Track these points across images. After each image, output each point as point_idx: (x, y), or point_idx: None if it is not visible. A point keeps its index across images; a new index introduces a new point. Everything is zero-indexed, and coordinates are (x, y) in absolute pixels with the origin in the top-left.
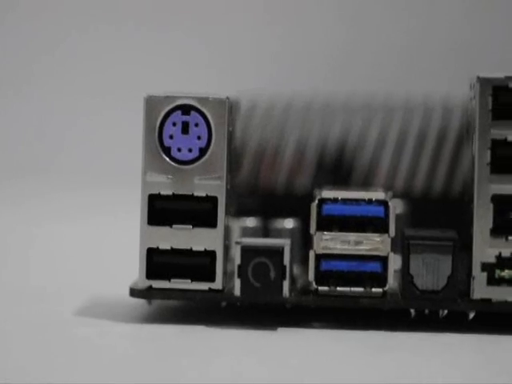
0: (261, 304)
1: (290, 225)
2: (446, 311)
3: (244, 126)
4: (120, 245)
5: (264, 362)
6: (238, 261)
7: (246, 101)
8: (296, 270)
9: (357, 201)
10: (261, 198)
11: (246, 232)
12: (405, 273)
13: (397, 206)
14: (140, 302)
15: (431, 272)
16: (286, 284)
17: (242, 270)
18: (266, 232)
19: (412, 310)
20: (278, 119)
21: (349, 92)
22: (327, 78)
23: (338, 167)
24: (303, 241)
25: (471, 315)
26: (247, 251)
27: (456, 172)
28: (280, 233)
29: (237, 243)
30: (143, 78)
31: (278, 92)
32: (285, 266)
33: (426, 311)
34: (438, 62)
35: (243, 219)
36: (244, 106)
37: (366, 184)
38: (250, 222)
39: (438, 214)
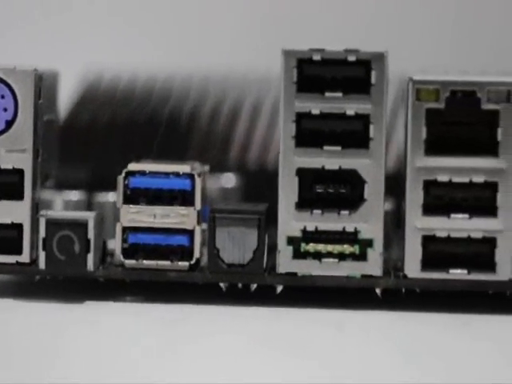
0: (68, 277)
1: (113, 198)
2: (255, 285)
3: (83, 100)
4: None
5: (64, 335)
6: (42, 234)
7: (92, 74)
8: None
9: (164, 174)
10: (89, 171)
11: (69, 205)
12: (211, 246)
13: (230, 180)
14: None
15: (237, 245)
16: (90, 257)
17: (46, 243)
18: (89, 205)
19: (222, 284)
20: (120, 92)
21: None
22: (169, 52)
23: (170, 140)
24: None
25: (279, 289)
26: (51, 224)
27: None
28: (103, 206)
29: (41, 216)
30: None
31: (124, 65)
32: (89, 240)
33: (240, 285)
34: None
35: (67, 192)
36: (88, 79)
37: (200, 158)
38: (74, 195)
39: (272, 188)
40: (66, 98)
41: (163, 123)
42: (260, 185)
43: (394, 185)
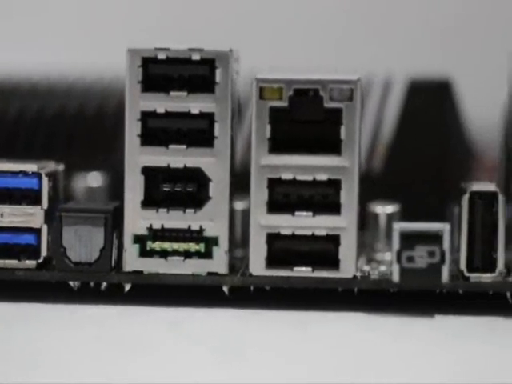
0: None
1: None
2: (104, 283)
3: None
4: None
5: None
6: None
7: None
8: None
9: (12, 173)
10: None
11: None
12: (57, 245)
13: (95, 179)
14: None
15: (84, 244)
16: None
17: None
18: None
19: (72, 282)
20: None
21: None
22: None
23: (33, 139)
24: None
25: (127, 287)
26: None
27: None
28: None
29: None
30: None
31: None
32: None
33: (91, 283)
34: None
35: None
36: None
37: (64, 157)
38: None
39: None
40: None
41: (28, 122)
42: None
43: None
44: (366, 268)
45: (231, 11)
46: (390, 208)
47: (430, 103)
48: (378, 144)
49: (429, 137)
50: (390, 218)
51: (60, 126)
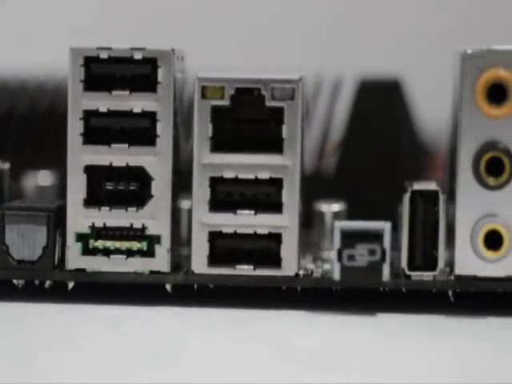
0: None
1: None
2: (48, 281)
3: None
4: None
5: None
6: None
7: None
8: None
9: None
10: None
11: None
12: (0, 243)
13: (45, 178)
14: None
15: (27, 242)
16: None
17: None
18: None
19: (16, 281)
20: None
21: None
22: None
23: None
24: None
25: (70, 285)
26: None
27: None
28: None
29: None
30: None
31: None
32: None
33: (36, 282)
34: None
35: None
36: None
37: (14, 155)
38: None
39: None
40: None
41: None
42: None
43: None
44: (311, 266)
45: (178, 11)
46: (336, 207)
47: (380, 102)
48: (328, 143)
49: (379, 136)
50: (336, 216)
51: (10, 123)
